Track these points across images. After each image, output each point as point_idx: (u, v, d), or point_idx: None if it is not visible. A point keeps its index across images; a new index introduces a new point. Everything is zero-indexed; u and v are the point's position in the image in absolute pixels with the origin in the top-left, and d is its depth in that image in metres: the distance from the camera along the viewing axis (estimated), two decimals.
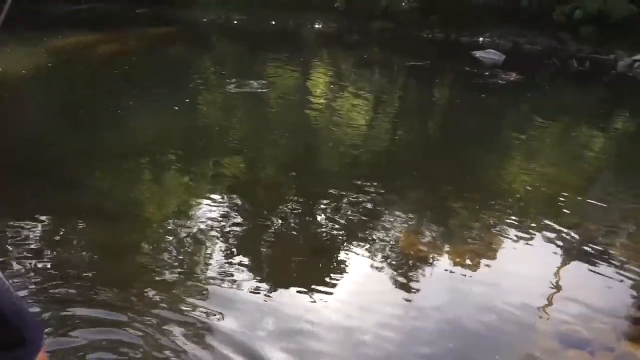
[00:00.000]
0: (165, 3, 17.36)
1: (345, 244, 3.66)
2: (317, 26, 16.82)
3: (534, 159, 5.87)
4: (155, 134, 6.09)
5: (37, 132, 5.99)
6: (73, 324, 2.64)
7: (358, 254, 3.53)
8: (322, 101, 8.00)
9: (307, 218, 4.07)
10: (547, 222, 4.14)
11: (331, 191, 4.49)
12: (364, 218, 4.07)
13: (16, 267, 3.12)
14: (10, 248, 3.48)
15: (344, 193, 4.46)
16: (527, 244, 3.84)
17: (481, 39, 14.18)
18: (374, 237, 3.77)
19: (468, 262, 3.51)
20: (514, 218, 4.19)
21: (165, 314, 2.75)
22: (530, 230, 4.02)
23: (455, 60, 12.03)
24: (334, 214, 4.07)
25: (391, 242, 3.70)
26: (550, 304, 3.13)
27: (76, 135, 6.00)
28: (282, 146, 5.93)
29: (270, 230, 3.83)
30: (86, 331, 2.59)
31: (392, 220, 4.05)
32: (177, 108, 6.98)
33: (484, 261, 3.53)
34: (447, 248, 3.68)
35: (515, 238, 3.85)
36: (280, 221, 3.96)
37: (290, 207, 4.22)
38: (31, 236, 3.59)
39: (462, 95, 9.14)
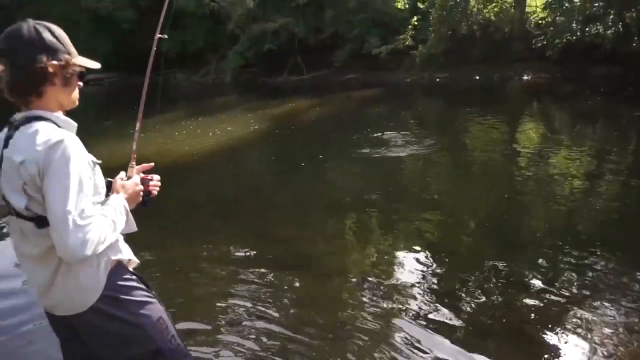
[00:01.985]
0: (373, 68, 18.54)
1: (557, 326, 2.99)
2: (525, 77, 15.68)
3: None
4: (349, 188, 6.28)
5: (245, 183, 6.85)
6: None
7: (570, 340, 2.84)
8: (528, 159, 7.17)
9: (514, 286, 3.53)
10: None
11: (541, 260, 3.89)
12: (580, 297, 3.34)
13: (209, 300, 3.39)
14: (205, 278, 3.86)
15: (559, 263, 3.83)
16: None
17: None
18: (589, 327, 2.99)
19: None
20: None
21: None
22: None
23: None
24: (547, 287, 3.44)
25: (612, 340, 2.87)
26: None
27: (275, 188, 6.63)
28: (481, 207, 5.43)
29: (469, 296, 3.43)
30: None
31: (608, 313, 3.17)
32: (371, 167, 7.10)
33: None
34: None
35: None
36: (480, 288, 3.51)
37: (493, 273, 3.72)
38: (222, 274, 3.95)
39: None
